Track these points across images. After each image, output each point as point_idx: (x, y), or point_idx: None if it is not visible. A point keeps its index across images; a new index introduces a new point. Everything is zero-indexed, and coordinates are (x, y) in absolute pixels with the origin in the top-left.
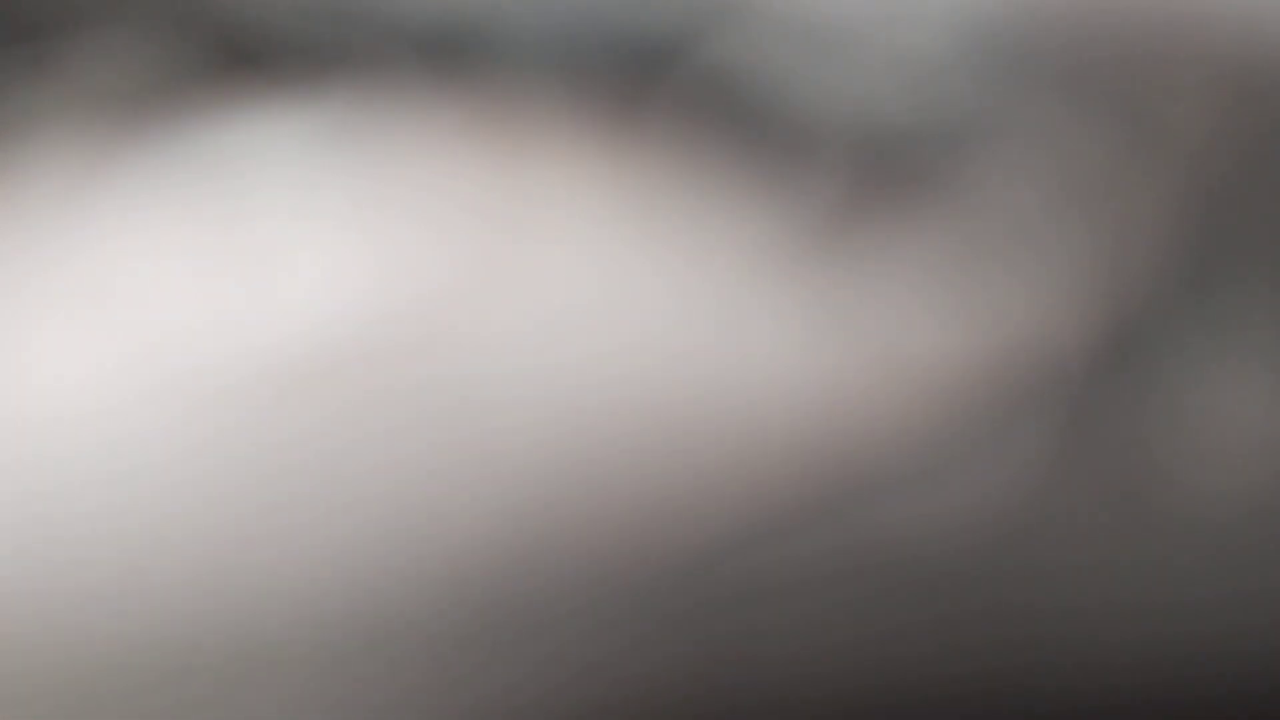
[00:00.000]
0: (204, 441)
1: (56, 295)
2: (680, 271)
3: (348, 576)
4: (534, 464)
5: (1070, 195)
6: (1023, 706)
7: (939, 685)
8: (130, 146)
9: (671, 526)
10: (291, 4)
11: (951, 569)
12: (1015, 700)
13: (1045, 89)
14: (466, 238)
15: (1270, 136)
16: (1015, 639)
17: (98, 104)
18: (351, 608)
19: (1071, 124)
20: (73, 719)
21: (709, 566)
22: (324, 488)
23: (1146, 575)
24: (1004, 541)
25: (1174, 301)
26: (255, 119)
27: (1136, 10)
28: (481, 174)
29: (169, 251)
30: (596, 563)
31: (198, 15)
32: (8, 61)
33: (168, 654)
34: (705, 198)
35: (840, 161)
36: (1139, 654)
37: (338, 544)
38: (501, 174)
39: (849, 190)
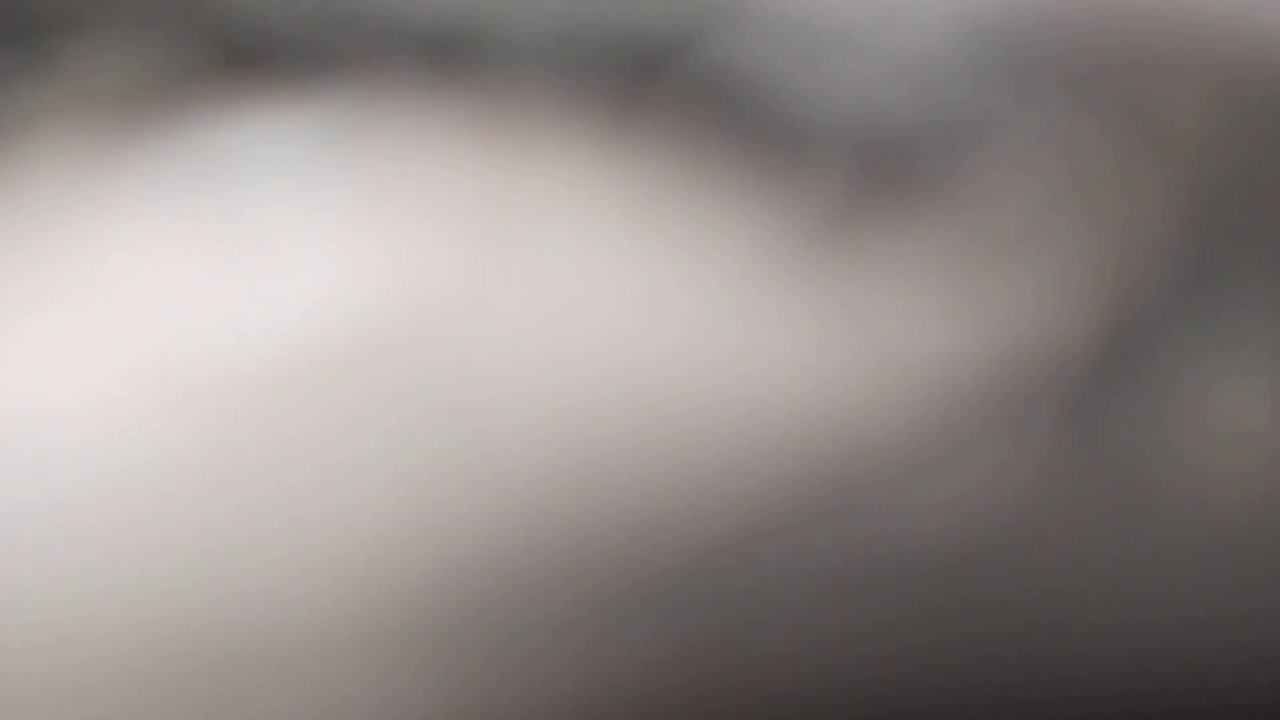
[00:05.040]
0: (204, 439)
1: (56, 294)
2: (682, 271)
3: (349, 575)
4: (535, 463)
5: (1073, 194)
6: (1023, 710)
7: (940, 687)
8: (130, 146)
9: (674, 526)
10: (291, 4)
11: (953, 570)
12: (1015, 704)
13: (1047, 88)
14: (467, 237)
15: (1272, 135)
16: (1015, 642)
17: (98, 104)
18: (352, 607)
19: (1073, 123)
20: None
21: (711, 566)
22: (326, 487)
23: (1148, 579)
24: (1006, 543)
25: (1177, 301)
26: (255, 119)
27: (1138, 9)
28: (482, 173)
29: (169, 251)
30: (597, 563)
31: (198, 15)
32: (8, 61)
33: (168, 655)
34: (706, 197)
35: (841, 161)
36: (1139, 659)
37: (339, 543)
38: (502, 173)
39: (851, 190)
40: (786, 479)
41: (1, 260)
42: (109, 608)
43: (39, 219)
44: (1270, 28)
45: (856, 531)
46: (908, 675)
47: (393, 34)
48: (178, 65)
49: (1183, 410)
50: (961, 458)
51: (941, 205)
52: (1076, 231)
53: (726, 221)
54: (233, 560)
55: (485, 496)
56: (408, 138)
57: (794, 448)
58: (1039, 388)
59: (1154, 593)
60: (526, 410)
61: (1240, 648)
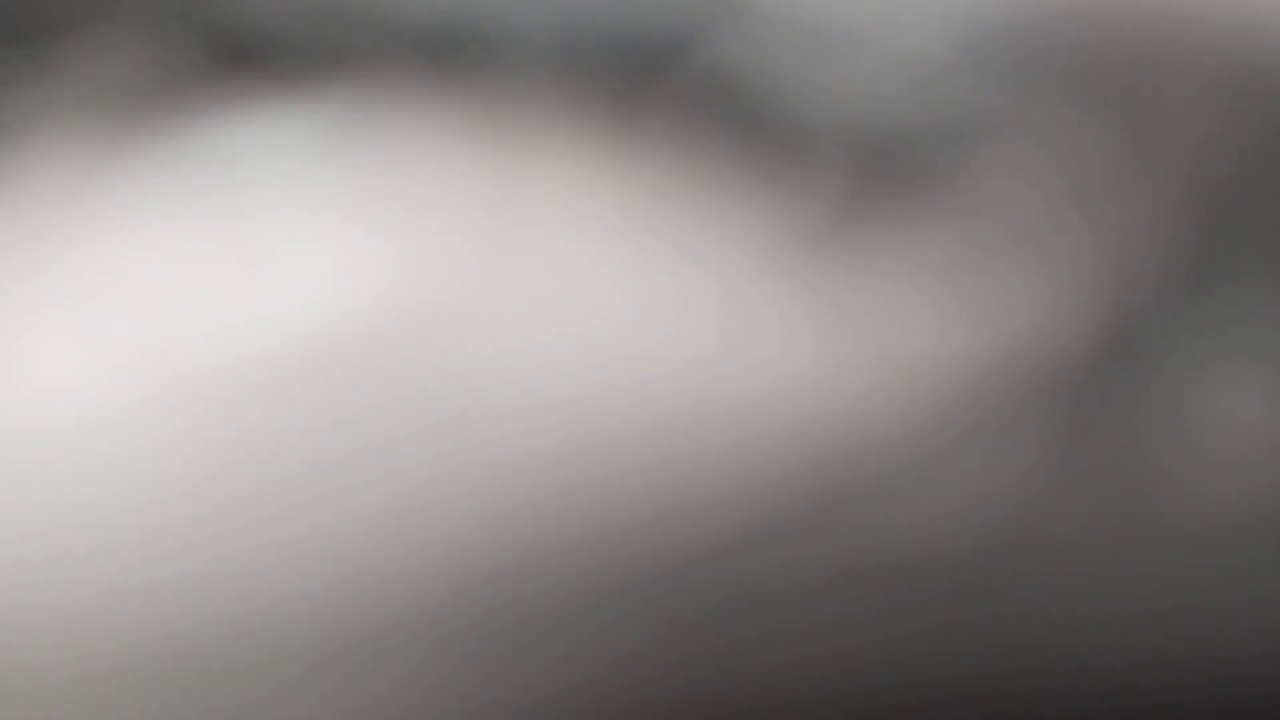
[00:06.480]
0: (205, 443)
1: (56, 295)
2: (683, 271)
3: (348, 579)
4: (536, 464)
5: (1071, 195)
6: (1023, 710)
7: (939, 688)
8: (130, 146)
9: (673, 527)
10: (291, 4)
11: (952, 570)
12: (1015, 704)
13: (1046, 89)
14: (469, 236)
15: (1271, 137)
16: (1015, 641)
17: (98, 104)
18: (352, 610)
19: (1072, 124)
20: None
21: (710, 568)
22: (325, 486)
23: (1147, 578)
24: (1005, 542)
25: (1175, 301)
26: (255, 119)
27: (1137, 11)
28: (483, 173)
29: (170, 251)
30: (596, 564)
31: (198, 15)
32: (8, 61)
33: (168, 657)
34: (706, 197)
35: (841, 161)
36: (1139, 652)
37: (337, 540)
38: (503, 173)
39: (850, 190)
40: (784, 477)
41: (1, 260)
42: (107, 606)
43: (39, 219)
44: (1270, 28)
45: (854, 530)
46: (905, 671)
47: (393, 34)
48: (178, 65)
49: (1180, 408)
50: (959, 457)
51: (941, 205)
52: (1075, 231)
53: (726, 221)
54: (231, 558)
55: (485, 496)
56: (408, 138)
57: (792, 446)
58: (1037, 387)
59: (1152, 587)
60: (527, 409)
61: (1238, 640)
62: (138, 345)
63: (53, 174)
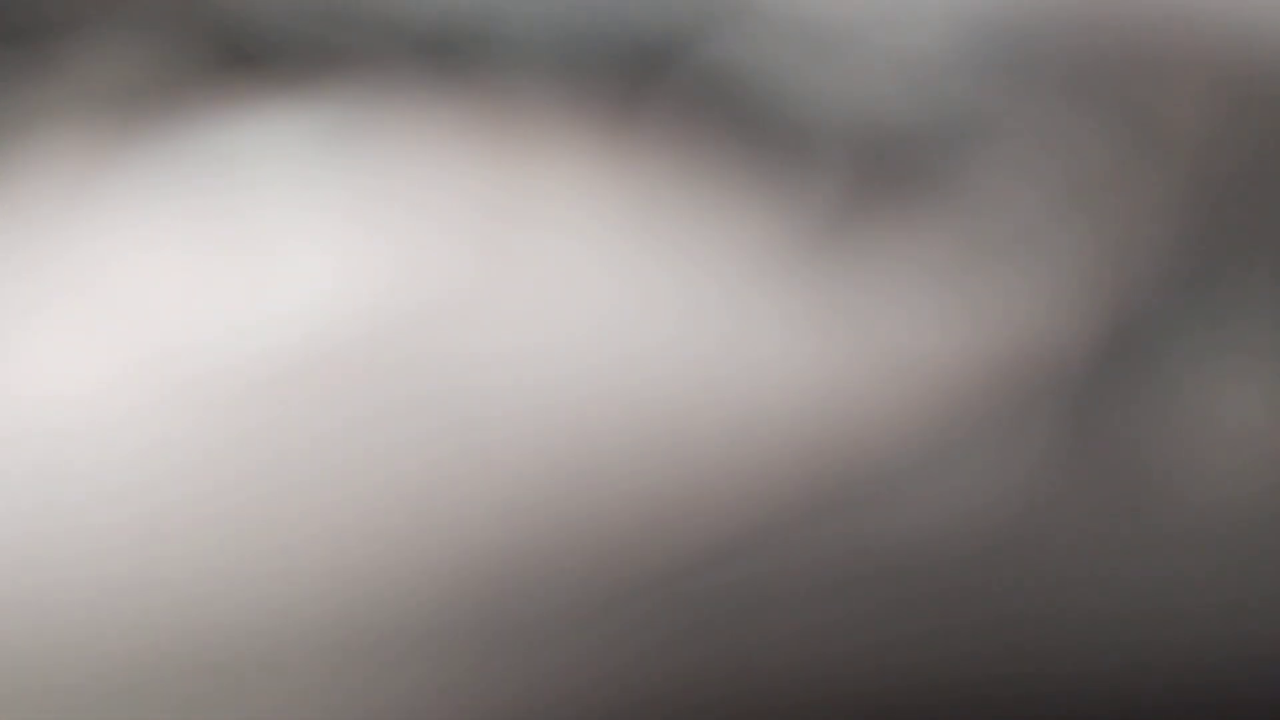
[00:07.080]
0: (206, 444)
1: (56, 295)
2: (683, 271)
3: (350, 581)
4: (537, 464)
5: (1072, 195)
6: (1022, 705)
7: (940, 690)
8: (130, 146)
9: (674, 528)
10: (291, 4)
11: (952, 570)
12: (1017, 706)
13: (1047, 89)
14: (468, 236)
15: (1271, 137)
16: (1014, 640)
17: (98, 104)
18: (354, 613)
19: (1073, 124)
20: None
21: (712, 570)
22: (325, 487)
23: (1146, 574)
24: (1005, 543)
25: (1175, 301)
26: (255, 119)
27: (1138, 11)
28: (482, 172)
29: (170, 251)
30: (597, 565)
31: (198, 15)
32: (8, 61)
33: (172, 661)
34: (706, 198)
35: (841, 161)
36: (1138, 654)
37: (337, 540)
38: (502, 173)
39: (850, 190)
40: (785, 477)
41: (1, 260)
42: (110, 609)
43: (39, 219)
44: (1269, 28)
45: (855, 530)
46: (906, 671)
47: (393, 34)
48: (178, 65)
49: (1181, 408)
50: (960, 457)
51: (941, 205)
52: (1075, 231)
53: (726, 221)
54: (232, 559)
55: (484, 495)
56: (408, 138)
57: (792, 446)
58: (1038, 387)
59: (1152, 588)
60: (527, 410)
61: (1238, 641)
62: (137, 345)
63: (53, 174)
